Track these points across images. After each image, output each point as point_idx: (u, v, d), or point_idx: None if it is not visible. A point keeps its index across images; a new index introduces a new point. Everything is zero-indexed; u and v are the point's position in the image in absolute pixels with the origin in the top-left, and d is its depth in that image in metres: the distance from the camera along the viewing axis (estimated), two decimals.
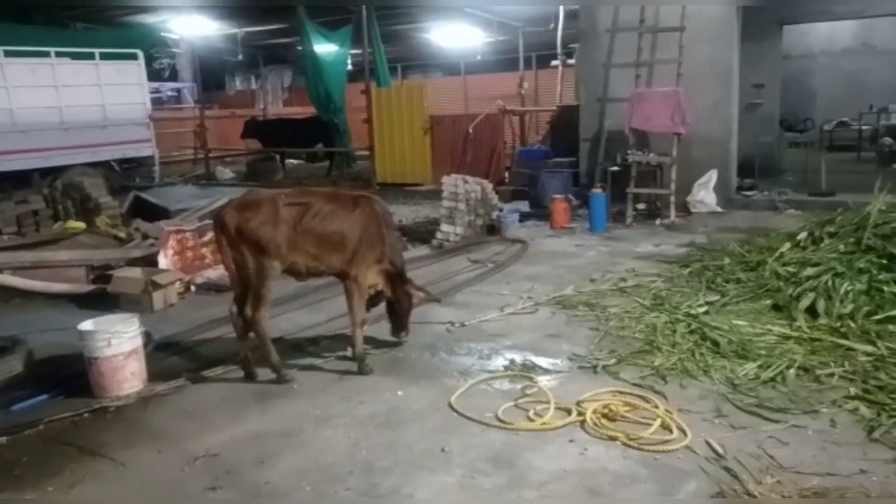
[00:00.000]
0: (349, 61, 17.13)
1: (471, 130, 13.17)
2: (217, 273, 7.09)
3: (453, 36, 19.83)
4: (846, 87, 17.06)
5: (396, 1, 12.26)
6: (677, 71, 9.86)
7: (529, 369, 4.60)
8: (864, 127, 15.53)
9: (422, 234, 9.31)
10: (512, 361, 4.74)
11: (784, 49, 14.09)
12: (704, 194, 10.18)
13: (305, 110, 20.57)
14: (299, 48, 16.25)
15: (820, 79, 17.65)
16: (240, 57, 21.69)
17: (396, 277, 4.95)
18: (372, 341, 5.14)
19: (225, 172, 17.75)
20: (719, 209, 10.13)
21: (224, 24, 18.23)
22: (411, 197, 12.88)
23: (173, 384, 4.61)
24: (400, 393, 4.35)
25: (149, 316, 5.96)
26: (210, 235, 7.34)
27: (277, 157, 17.35)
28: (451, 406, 4.08)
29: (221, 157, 20.06)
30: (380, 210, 4.87)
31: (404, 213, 11.30)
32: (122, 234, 8.53)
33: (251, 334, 4.65)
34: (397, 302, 5.02)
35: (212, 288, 6.88)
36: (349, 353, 4.92)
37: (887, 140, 14.63)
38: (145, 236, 8.26)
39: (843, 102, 16.64)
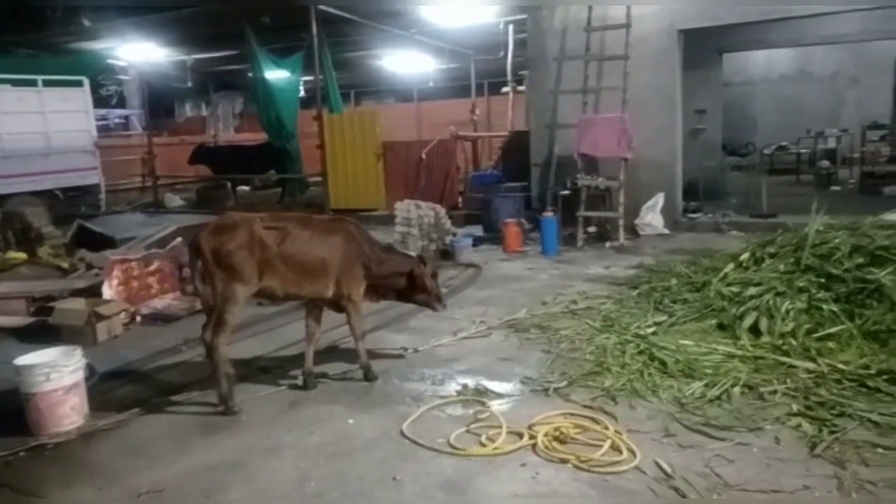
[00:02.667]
0: (301, 87, 17.10)
1: (424, 156, 13.24)
2: (164, 303, 6.95)
3: (406, 63, 19.99)
4: (785, 112, 17.75)
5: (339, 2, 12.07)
6: (623, 98, 10.12)
7: (482, 394, 4.59)
8: (802, 151, 16.16)
9: None
10: (464, 386, 4.73)
11: (725, 76, 14.61)
12: (652, 217, 10.41)
13: (257, 137, 20.42)
14: (250, 75, 16.14)
15: (760, 104, 18.33)
16: (189, 84, 21.41)
17: (392, 280, 5.08)
18: (325, 366, 5.09)
19: (174, 199, 17.48)
20: (666, 231, 10.37)
21: (173, 51, 18.03)
22: (365, 222, 12.66)
23: (117, 418, 4.47)
24: (351, 421, 4.29)
25: (92, 348, 5.78)
26: (157, 265, 7.20)
27: (228, 183, 17.14)
28: (402, 433, 4.04)
29: (171, 185, 19.73)
30: (355, 230, 4.95)
31: None
32: (65, 265, 8.28)
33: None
34: (404, 293, 5.17)
35: (158, 318, 6.72)
36: (299, 381, 4.90)
37: (825, 163, 15.25)
38: (90, 266, 8.02)
39: (782, 127, 17.30)
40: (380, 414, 4.38)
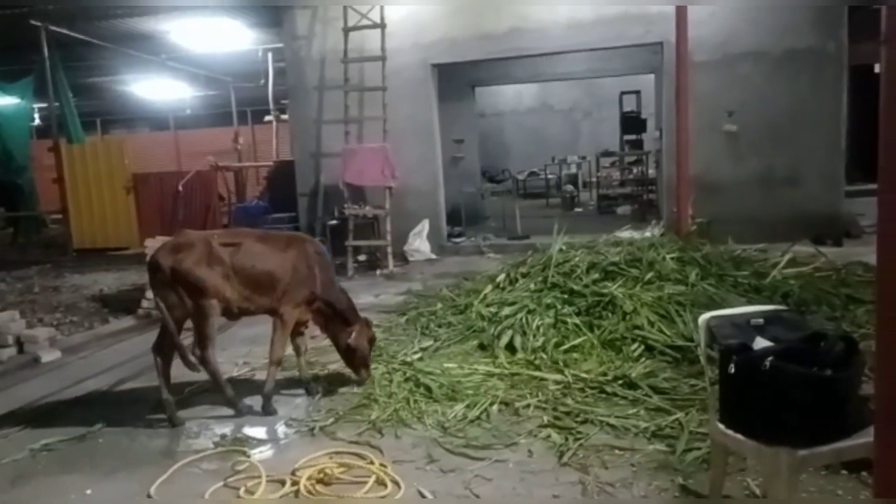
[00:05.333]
0: (35, 115, 15.30)
1: (180, 188, 12.46)
2: None
3: (158, 89, 18.75)
4: (533, 141, 19.42)
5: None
6: (383, 128, 10.34)
7: (242, 442, 4.30)
8: (549, 176, 17.71)
9: (127, 302, 8.44)
10: (223, 436, 4.41)
11: (479, 108, 15.62)
12: (419, 243, 10.72)
13: None
14: None
15: (512, 134, 19.88)
16: None
17: (335, 318, 5.05)
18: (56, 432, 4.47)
19: None
20: (433, 256, 10.72)
21: None
22: (115, 262, 11.70)
23: None
24: (89, 491, 3.77)
25: None
26: None
27: None
28: (150, 496, 3.64)
29: None
30: (312, 251, 5.00)
31: (108, 281, 10.24)
32: None
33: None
34: (336, 344, 5.15)
35: None
36: (32, 449, 4.22)
37: (568, 187, 16.84)
38: None
39: (531, 155, 18.89)
40: (124, 478, 3.91)
